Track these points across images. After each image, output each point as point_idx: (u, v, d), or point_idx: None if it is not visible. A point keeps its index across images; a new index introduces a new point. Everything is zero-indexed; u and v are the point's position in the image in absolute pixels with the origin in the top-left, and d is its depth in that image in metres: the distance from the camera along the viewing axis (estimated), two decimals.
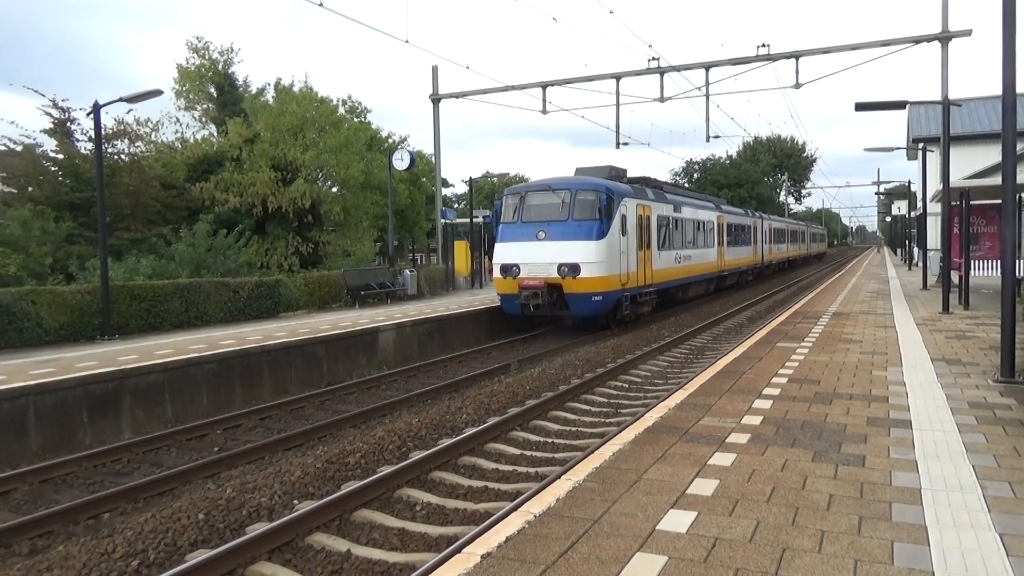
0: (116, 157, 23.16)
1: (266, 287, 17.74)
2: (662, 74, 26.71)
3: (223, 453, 8.67)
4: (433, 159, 32.16)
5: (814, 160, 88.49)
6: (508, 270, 17.16)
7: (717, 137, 31.51)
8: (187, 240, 20.41)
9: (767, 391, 7.49)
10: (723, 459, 5.20)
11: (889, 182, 77.57)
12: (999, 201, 9.42)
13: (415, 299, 22.42)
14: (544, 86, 28.49)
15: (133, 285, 15.23)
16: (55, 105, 22.44)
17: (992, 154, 22.68)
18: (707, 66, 26.43)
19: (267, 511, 6.49)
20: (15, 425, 8.85)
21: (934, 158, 25.88)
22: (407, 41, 22.97)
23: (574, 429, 9.39)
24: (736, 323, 19.77)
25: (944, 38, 22.46)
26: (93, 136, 15.24)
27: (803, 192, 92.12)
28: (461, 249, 29.13)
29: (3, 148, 21.80)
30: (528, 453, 8.33)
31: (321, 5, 17.66)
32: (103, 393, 9.82)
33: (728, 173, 72.65)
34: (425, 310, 18.03)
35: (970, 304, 15.47)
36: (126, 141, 23.96)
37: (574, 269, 16.37)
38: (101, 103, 14.33)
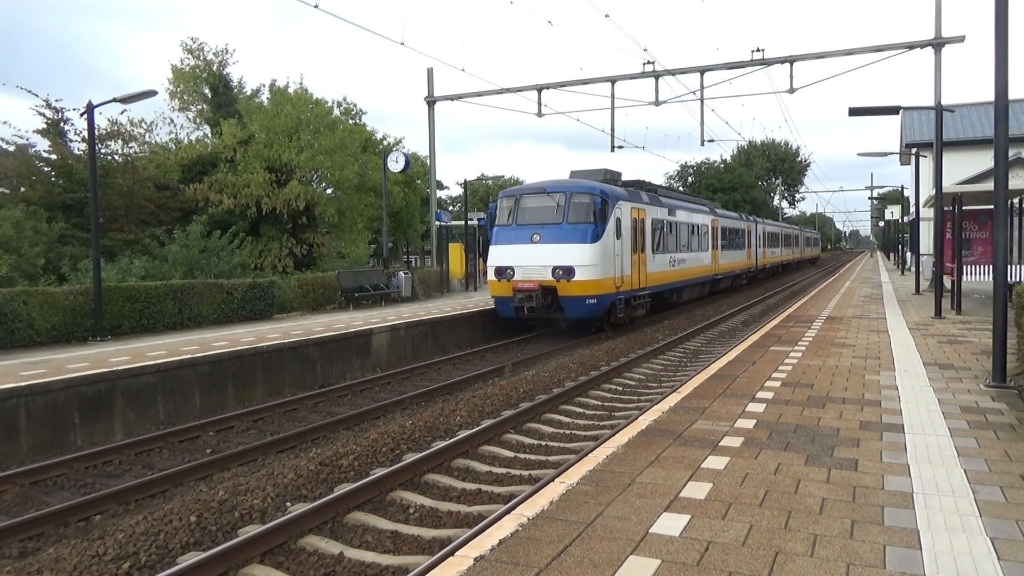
0: (109, 158, 23.10)
1: (260, 289, 17.70)
2: (657, 78, 26.81)
3: (215, 455, 8.64)
4: (428, 161, 32.18)
5: (808, 164, 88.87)
6: (502, 272, 17.16)
7: (711, 141, 31.53)
8: (180, 241, 20.34)
9: (760, 395, 7.50)
10: (716, 463, 5.21)
11: (883, 187, 78.09)
12: (991, 207, 9.46)
13: (409, 301, 22.40)
14: (539, 89, 28.56)
15: (126, 286, 15.17)
16: (48, 105, 22.39)
17: (985, 160, 22.85)
18: (702, 70, 26.54)
19: (259, 513, 6.46)
20: (5, 426, 8.80)
21: (927, 163, 26.07)
22: (403, 43, 23.10)
23: (568, 432, 9.38)
24: (730, 327, 19.81)
25: (937, 44, 22.62)
26: (86, 136, 15.19)
27: (797, 196, 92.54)
28: (455, 251, 29.14)
29: None
30: (522, 456, 8.33)
31: (317, 7, 17.66)
32: (95, 395, 9.77)
33: (722, 177, 72.87)
34: (419, 312, 18.01)
35: (962, 309, 15.53)
36: (120, 142, 23.91)
37: (568, 272, 16.39)
38: (95, 103, 14.29)
